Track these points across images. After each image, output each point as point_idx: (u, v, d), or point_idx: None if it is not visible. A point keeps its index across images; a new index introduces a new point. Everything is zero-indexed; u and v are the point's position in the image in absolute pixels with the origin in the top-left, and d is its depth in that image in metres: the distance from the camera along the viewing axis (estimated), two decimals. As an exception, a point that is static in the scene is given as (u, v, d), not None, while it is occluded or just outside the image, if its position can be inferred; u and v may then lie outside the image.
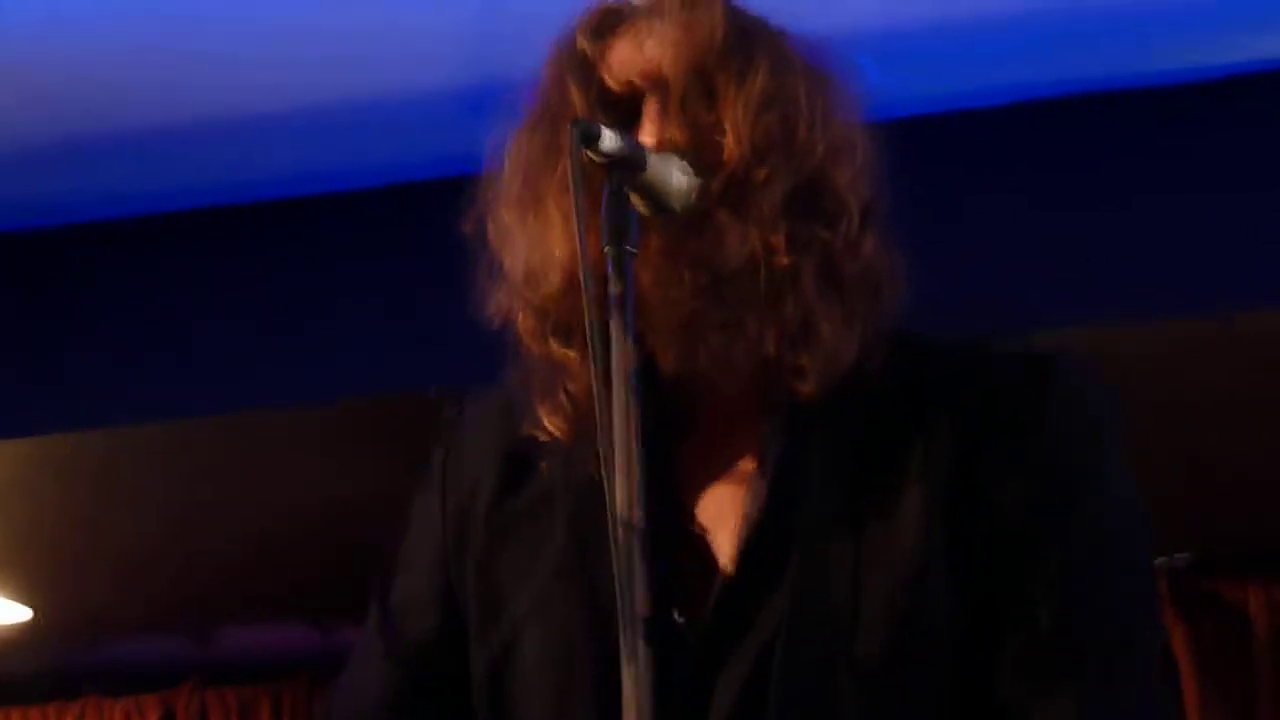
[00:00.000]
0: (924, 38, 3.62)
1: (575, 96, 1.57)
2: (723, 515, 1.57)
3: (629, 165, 1.44)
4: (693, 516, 1.58)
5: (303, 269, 3.96)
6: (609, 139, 1.42)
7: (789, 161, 1.54)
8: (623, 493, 1.37)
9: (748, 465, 1.58)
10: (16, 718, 5.83)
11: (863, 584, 1.53)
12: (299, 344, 3.90)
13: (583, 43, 1.59)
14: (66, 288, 4.12)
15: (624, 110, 1.56)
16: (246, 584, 5.08)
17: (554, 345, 1.56)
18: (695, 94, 1.55)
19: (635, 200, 1.45)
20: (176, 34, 3.47)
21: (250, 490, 4.41)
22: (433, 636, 1.71)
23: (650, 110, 1.55)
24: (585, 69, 1.58)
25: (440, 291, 1.69)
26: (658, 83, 1.56)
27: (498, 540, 1.66)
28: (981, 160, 3.79)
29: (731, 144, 1.53)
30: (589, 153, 1.41)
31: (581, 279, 1.38)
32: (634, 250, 1.41)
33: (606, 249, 1.40)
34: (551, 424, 1.59)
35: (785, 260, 1.52)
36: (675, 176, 1.49)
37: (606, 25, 1.60)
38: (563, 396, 1.57)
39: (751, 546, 1.54)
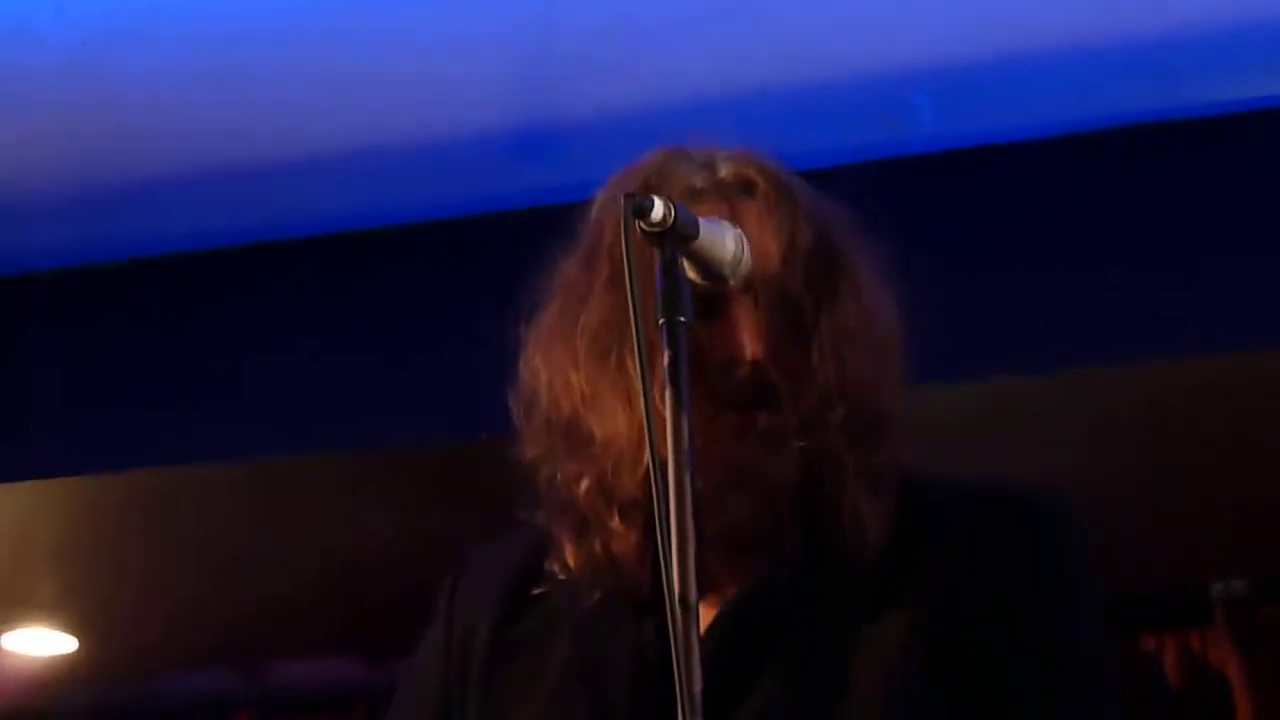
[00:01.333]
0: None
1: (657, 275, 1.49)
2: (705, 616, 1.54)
3: (681, 235, 1.41)
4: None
5: (362, 314, 3.91)
6: (660, 208, 1.38)
7: (858, 399, 1.54)
8: (679, 581, 1.33)
9: (731, 580, 1.57)
10: None
11: (845, 687, 1.52)
12: (356, 389, 3.85)
13: None
14: (125, 325, 4.07)
15: (710, 301, 1.51)
16: (299, 619, 4.98)
17: (615, 522, 1.54)
18: (781, 310, 1.53)
19: (687, 267, 1.42)
20: (243, 84, 3.50)
21: (304, 530, 4.40)
22: None
23: (736, 313, 1.52)
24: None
25: (491, 340, 1.66)
26: (745, 286, 1.52)
27: (501, 661, 1.65)
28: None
29: (818, 372, 1.52)
30: (641, 224, 1.38)
31: (635, 340, 1.35)
32: (687, 320, 1.38)
33: (660, 321, 1.37)
34: (577, 568, 1.58)
35: (848, 480, 1.52)
36: (729, 243, 1.46)
37: (695, 200, 1.54)
38: (599, 550, 1.56)
39: (732, 646, 1.54)
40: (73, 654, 5.09)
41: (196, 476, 3.97)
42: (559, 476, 1.61)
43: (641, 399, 1.43)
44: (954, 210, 3.62)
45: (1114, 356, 3.65)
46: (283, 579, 4.65)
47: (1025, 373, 3.54)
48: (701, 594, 1.47)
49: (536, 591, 1.68)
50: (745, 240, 1.48)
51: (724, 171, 1.60)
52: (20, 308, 4.09)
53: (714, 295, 1.53)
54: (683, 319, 1.38)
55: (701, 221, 1.43)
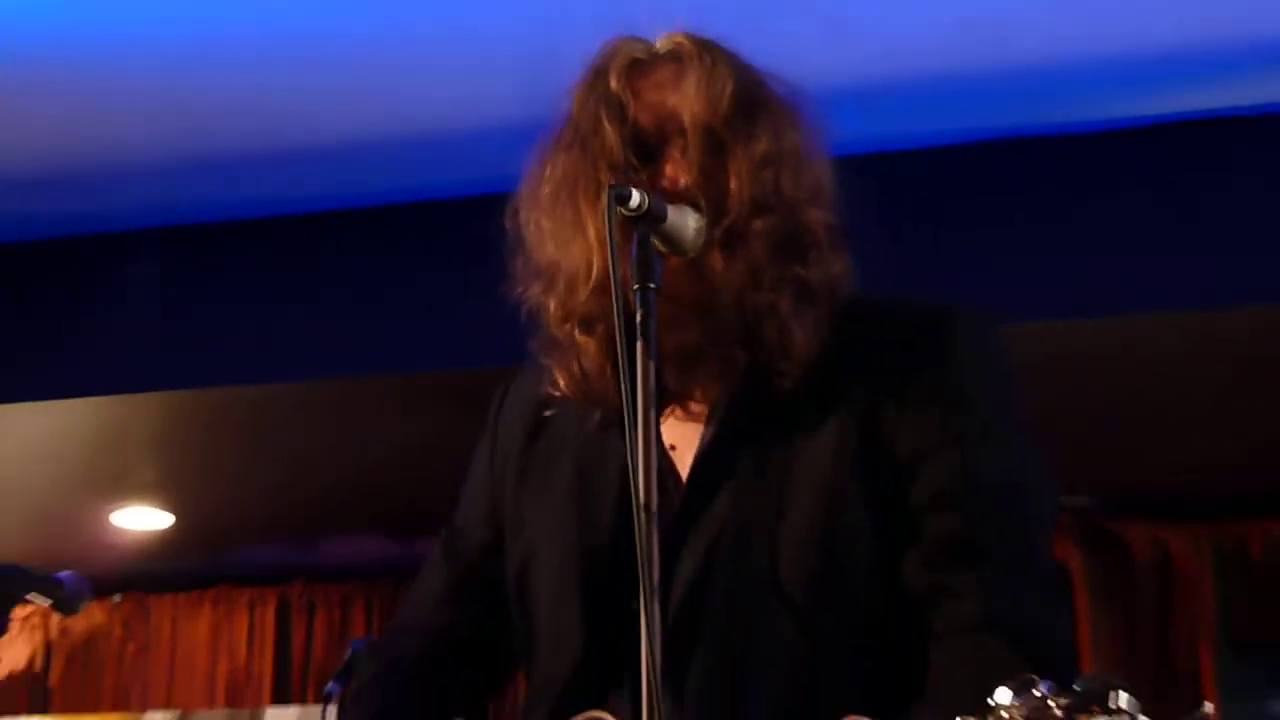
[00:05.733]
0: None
1: (609, 133, 1.61)
2: (687, 446, 1.65)
3: (652, 215, 1.50)
4: (671, 448, 1.66)
5: (398, 270, 4.23)
6: (636, 197, 1.47)
7: (778, 212, 1.60)
8: (639, 455, 1.41)
9: (704, 410, 1.66)
10: (167, 602, 6.04)
11: (787, 499, 1.58)
12: (399, 329, 4.19)
13: (616, 82, 1.63)
14: (221, 278, 4.40)
15: (648, 145, 1.62)
16: (345, 507, 5.32)
17: (577, 333, 1.64)
18: (708, 148, 1.60)
19: (657, 243, 1.51)
20: (301, 75, 3.78)
21: (351, 437, 4.72)
22: (482, 546, 1.81)
23: (671, 154, 1.61)
24: (618, 109, 1.63)
25: (498, 290, 1.74)
26: (679, 131, 1.61)
27: (524, 478, 1.77)
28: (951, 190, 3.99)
29: (734, 198, 1.59)
30: (623, 210, 1.47)
31: (614, 304, 1.43)
32: (657, 286, 1.47)
33: (635, 286, 1.46)
34: (565, 386, 1.67)
35: (769, 297, 1.59)
36: (690, 226, 1.55)
37: (636, 69, 1.65)
38: (576, 367, 1.66)
39: (699, 469, 1.63)
40: (168, 529, 5.48)
41: (271, 393, 4.39)
42: (538, 306, 1.68)
43: (595, 238, 1.56)
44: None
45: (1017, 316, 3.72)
46: (333, 476, 5.03)
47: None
48: (665, 405, 1.60)
49: (547, 414, 1.76)
50: (703, 222, 1.56)
51: (660, 45, 1.67)
52: (132, 256, 4.42)
53: (653, 144, 1.62)
54: (653, 285, 1.47)
55: (669, 209, 1.52)
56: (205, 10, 3.62)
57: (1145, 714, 1.15)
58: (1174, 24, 3.58)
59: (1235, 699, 4.84)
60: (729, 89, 1.60)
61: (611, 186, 1.46)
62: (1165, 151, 3.90)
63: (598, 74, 1.64)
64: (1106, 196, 3.91)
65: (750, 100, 1.61)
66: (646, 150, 1.60)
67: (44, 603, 2.22)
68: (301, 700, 5.70)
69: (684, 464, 1.63)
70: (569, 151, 1.63)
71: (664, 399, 1.59)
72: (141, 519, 5.38)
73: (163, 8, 3.69)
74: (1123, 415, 4.45)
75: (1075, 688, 1.16)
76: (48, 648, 5.99)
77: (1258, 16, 3.67)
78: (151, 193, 4.27)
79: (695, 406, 1.65)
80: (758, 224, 1.57)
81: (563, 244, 1.62)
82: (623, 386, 1.40)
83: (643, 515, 1.37)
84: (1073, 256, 3.88)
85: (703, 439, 1.62)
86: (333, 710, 2.08)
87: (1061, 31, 3.63)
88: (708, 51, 1.63)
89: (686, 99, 1.59)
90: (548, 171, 1.65)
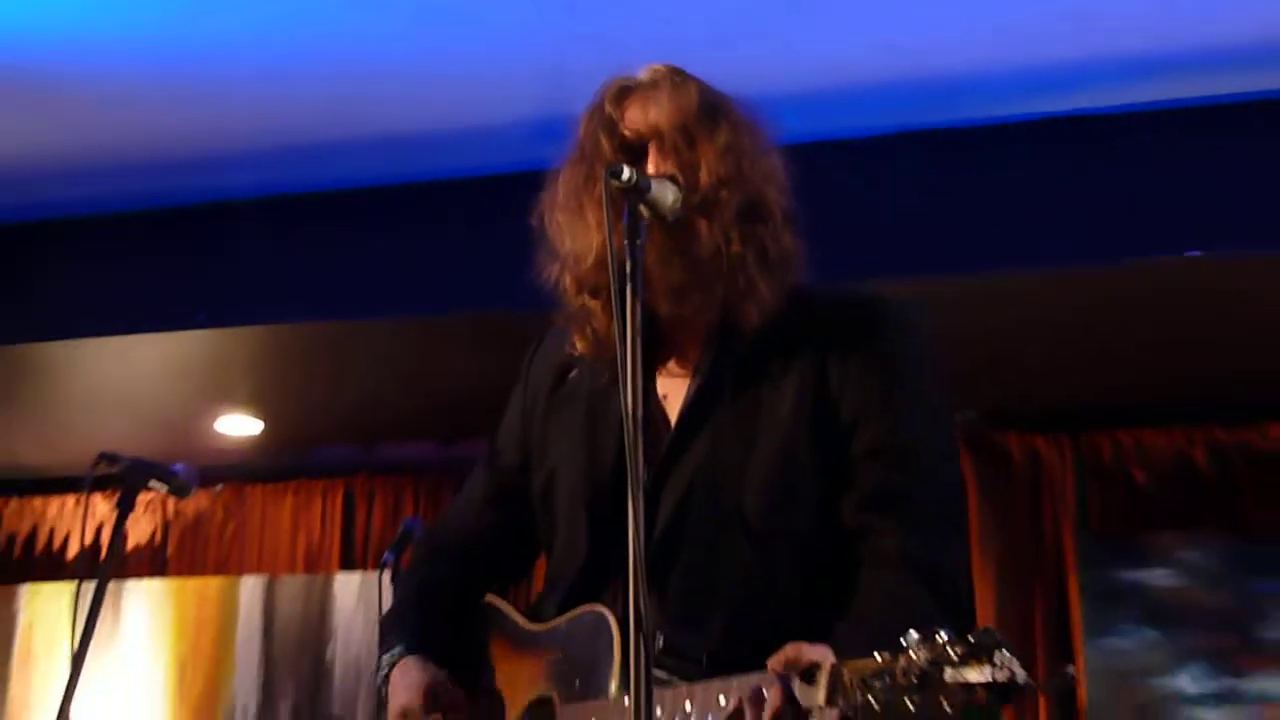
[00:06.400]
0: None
1: (604, 143, 1.66)
2: (675, 397, 1.68)
3: (638, 188, 1.51)
4: (663, 397, 1.69)
5: (450, 236, 4.29)
6: (626, 173, 1.50)
7: (739, 187, 1.63)
8: (631, 389, 1.42)
9: (690, 368, 1.68)
10: (258, 491, 6.02)
11: (752, 445, 1.60)
12: (462, 278, 4.24)
13: (609, 107, 1.69)
14: (310, 237, 4.47)
15: (635, 150, 1.66)
16: (402, 419, 5.39)
17: (587, 299, 1.68)
18: (681, 143, 1.64)
19: (643, 210, 1.52)
20: (342, 83, 3.84)
21: (413, 365, 4.82)
22: (515, 465, 1.84)
23: (652, 151, 1.66)
24: (610, 125, 1.68)
25: (530, 249, 1.75)
26: (657, 134, 1.66)
27: (549, 415, 1.80)
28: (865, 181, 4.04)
29: (704, 176, 1.62)
30: (615, 182, 1.50)
31: (610, 262, 1.45)
32: (643, 243, 1.48)
33: (625, 242, 1.47)
34: (582, 348, 1.71)
35: (737, 249, 1.61)
36: (669, 196, 1.57)
37: (623, 95, 1.69)
38: (589, 330, 1.69)
39: (686, 416, 1.64)
40: (259, 433, 5.56)
41: (343, 328, 4.53)
42: (559, 283, 1.70)
43: (594, 221, 1.59)
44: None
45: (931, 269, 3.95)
46: (393, 396, 5.11)
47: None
48: (658, 361, 1.63)
49: (570, 374, 1.78)
50: (680, 193, 1.59)
51: (642, 76, 1.72)
52: (243, 221, 4.51)
53: (638, 148, 1.65)
54: (639, 241, 1.48)
55: (653, 182, 1.55)
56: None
57: (1021, 669, 1.18)
58: (1042, 45, 3.70)
59: (1089, 570, 4.93)
60: (694, 99, 1.66)
61: (606, 165, 1.51)
62: (1034, 145, 4.00)
63: (595, 104, 1.70)
64: (997, 176, 4.03)
65: (712, 107, 1.66)
66: (633, 153, 1.65)
67: (162, 489, 2.47)
68: (363, 568, 5.71)
69: (673, 411, 1.66)
70: (575, 164, 1.69)
71: (657, 354, 1.63)
72: (239, 426, 5.44)
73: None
74: (1004, 350, 4.54)
75: (970, 639, 1.19)
76: (165, 525, 6.01)
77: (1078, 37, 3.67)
78: (262, 173, 4.38)
79: (683, 365, 1.68)
80: (724, 194, 1.60)
81: (572, 231, 1.66)
82: (617, 327, 1.40)
83: (633, 430, 1.37)
84: (968, 224, 4.00)
85: (688, 392, 1.65)
86: (387, 574, 2.28)
87: (955, 53, 3.77)
88: (677, 74, 1.70)
89: (663, 109, 1.65)
90: (560, 180, 1.70)
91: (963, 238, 4.02)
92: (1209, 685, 4.75)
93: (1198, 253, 3.87)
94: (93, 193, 4.48)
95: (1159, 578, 4.90)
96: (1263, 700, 4.71)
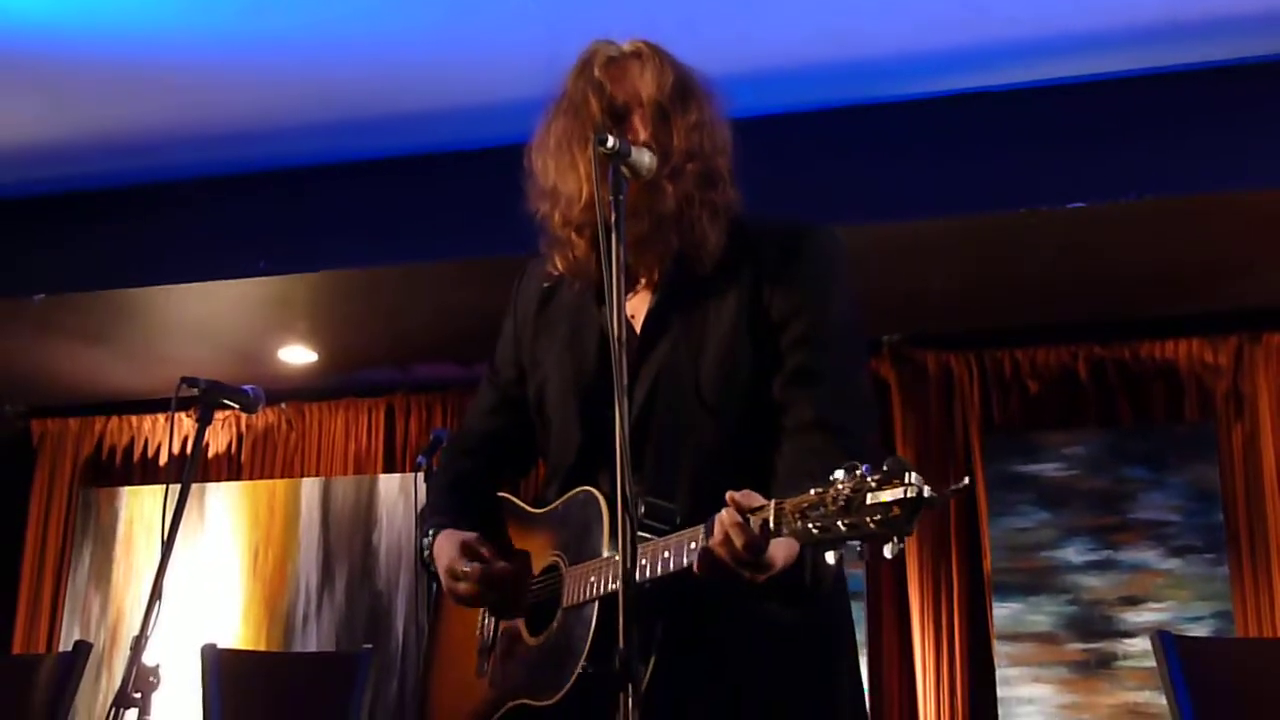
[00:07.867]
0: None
1: (592, 102, 1.63)
2: (639, 314, 1.67)
3: (621, 154, 1.50)
4: (630, 316, 1.67)
5: (478, 196, 4.06)
6: (611, 140, 1.49)
7: (701, 159, 1.63)
8: (614, 307, 1.41)
9: (651, 291, 1.67)
10: (315, 408, 5.93)
11: (702, 344, 1.61)
12: (481, 231, 4.17)
13: (598, 72, 1.65)
14: (353, 200, 4.49)
15: (618, 112, 1.64)
16: (431, 344, 5.35)
17: (573, 235, 1.66)
18: (658, 116, 1.63)
19: (624, 170, 1.51)
20: (370, 67, 3.84)
21: (447, 306, 4.80)
22: (512, 378, 1.83)
23: (634, 118, 1.64)
24: (599, 88, 1.64)
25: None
26: (639, 104, 1.64)
27: (537, 331, 1.77)
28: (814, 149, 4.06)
29: (676, 148, 1.62)
30: (602, 149, 1.49)
31: (597, 209, 1.43)
32: (623, 198, 1.48)
33: (609, 197, 1.47)
34: (561, 267, 1.69)
35: (695, 210, 1.62)
36: (646, 161, 1.56)
37: (611, 63, 1.66)
38: (570, 255, 1.68)
39: (647, 327, 1.64)
40: (315, 361, 5.56)
41: (385, 273, 4.51)
42: (545, 217, 1.67)
43: (584, 174, 1.56)
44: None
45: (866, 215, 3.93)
46: (424, 325, 5.07)
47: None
48: (631, 285, 1.60)
49: (546, 285, 1.75)
50: (655, 160, 1.56)
51: (626, 47, 1.68)
52: (296, 184, 4.49)
53: (622, 112, 1.62)
54: (621, 197, 1.47)
55: (633, 149, 1.53)
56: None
57: (927, 485, 1.19)
58: (957, 29, 3.71)
59: (992, 463, 4.98)
60: (671, 78, 1.64)
61: (596, 134, 1.50)
62: (945, 117, 4.02)
63: (584, 65, 1.67)
64: (917, 142, 4.04)
65: (685, 86, 1.65)
66: (617, 115, 1.63)
67: (235, 407, 2.48)
68: (402, 470, 5.69)
69: (638, 324, 1.66)
70: (565, 116, 1.65)
71: (627, 282, 1.56)
72: (298, 355, 5.47)
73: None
74: (924, 285, 4.59)
75: (884, 467, 1.20)
76: (239, 437, 5.99)
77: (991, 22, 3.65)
78: (318, 142, 4.33)
79: (644, 290, 1.67)
80: (690, 166, 1.61)
81: (562, 176, 1.64)
82: (603, 265, 1.39)
83: (617, 346, 1.36)
84: (891, 182, 4.05)
85: (649, 307, 1.65)
86: (421, 475, 2.24)
87: (884, 38, 3.78)
88: (658, 53, 1.67)
89: (645, 83, 1.63)
90: (550, 129, 1.67)
91: (888, 192, 4.05)
92: (1091, 556, 4.79)
93: (1080, 204, 3.90)
94: (180, 160, 4.49)
95: (1049, 469, 4.93)
96: (1134, 569, 4.78)
